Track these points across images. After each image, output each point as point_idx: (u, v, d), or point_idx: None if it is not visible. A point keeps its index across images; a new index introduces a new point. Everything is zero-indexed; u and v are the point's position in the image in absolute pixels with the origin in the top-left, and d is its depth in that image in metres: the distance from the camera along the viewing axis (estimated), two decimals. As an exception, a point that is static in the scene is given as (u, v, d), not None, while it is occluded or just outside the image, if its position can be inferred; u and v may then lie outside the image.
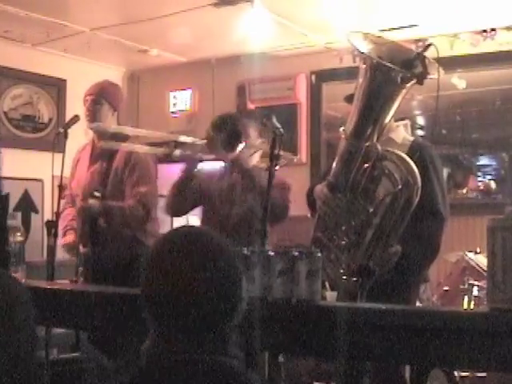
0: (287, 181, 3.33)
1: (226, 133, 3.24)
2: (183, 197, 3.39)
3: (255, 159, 3.44)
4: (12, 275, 1.45)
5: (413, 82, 2.36)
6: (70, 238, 3.62)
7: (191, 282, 1.36)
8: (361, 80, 2.43)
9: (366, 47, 2.41)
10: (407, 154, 2.39)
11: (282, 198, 3.20)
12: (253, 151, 3.39)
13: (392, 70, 2.32)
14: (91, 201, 3.50)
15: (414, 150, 2.52)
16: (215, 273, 1.38)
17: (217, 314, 1.38)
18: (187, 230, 1.52)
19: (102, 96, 3.63)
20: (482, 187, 5.14)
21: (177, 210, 3.51)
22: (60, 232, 3.46)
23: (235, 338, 1.44)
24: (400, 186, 2.28)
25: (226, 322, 1.40)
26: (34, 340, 1.41)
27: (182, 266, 1.37)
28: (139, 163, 3.56)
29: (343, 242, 2.44)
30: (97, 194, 3.51)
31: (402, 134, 2.62)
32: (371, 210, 2.36)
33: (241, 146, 3.24)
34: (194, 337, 1.37)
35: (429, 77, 2.33)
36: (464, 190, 5.36)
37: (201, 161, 3.39)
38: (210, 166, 3.59)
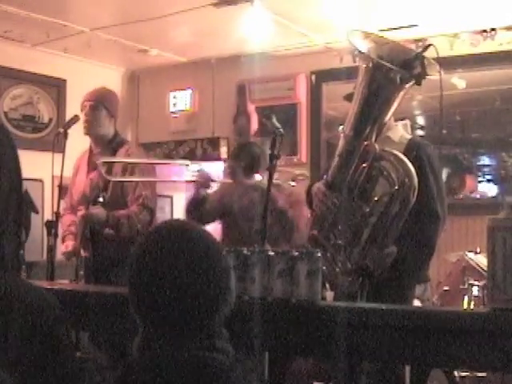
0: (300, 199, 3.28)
1: (244, 161, 3.32)
2: (196, 215, 3.48)
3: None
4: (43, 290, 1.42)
5: (412, 82, 2.36)
6: (70, 244, 3.63)
7: (176, 277, 1.36)
8: (360, 79, 2.43)
9: (365, 46, 2.41)
10: (404, 153, 2.39)
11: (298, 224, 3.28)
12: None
13: (391, 70, 2.31)
14: (95, 209, 3.50)
15: (411, 148, 2.51)
16: (200, 267, 1.38)
17: (204, 308, 1.39)
18: (170, 225, 1.51)
19: (100, 102, 3.62)
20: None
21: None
22: (59, 237, 3.48)
23: (224, 333, 1.44)
24: (397, 187, 2.28)
25: (213, 316, 1.40)
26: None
27: (166, 262, 1.37)
28: (137, 166, 3.56)
29: (339, 241, 2.44)
30: (100, 199, 3.52)
31: (399, 132, 2.61)
32: (368, 209, 2.36)
33: (258, 175, 3.30)
34: (181, 333, 1.38)
35: (428, 77, 2.33)
36: (464, 190, 5.36)
37: (212, 181, 3.45)
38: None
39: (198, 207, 3.48)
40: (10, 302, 1.31)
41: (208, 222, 3.63)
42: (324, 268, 2.41)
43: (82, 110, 3.64)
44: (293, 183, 3.02)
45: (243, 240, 3.32)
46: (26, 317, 1.30)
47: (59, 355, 1.34)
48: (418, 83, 2.32)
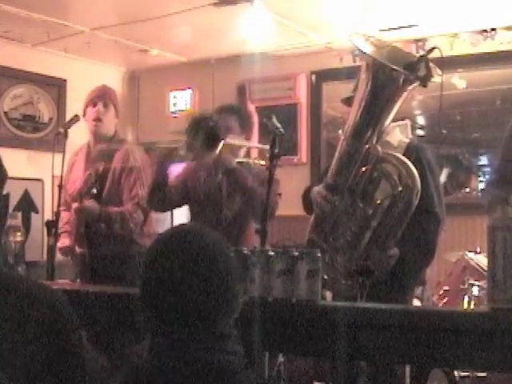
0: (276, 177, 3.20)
1: (202, 135, 3.15)
2: (159, 197, 3.28)
3: (240, 156, 3.35)
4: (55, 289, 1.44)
5: (415, 84, 2.35)
6: (65, 241, 3.63)
7: (186, 281, 1.37)
8: (361, 81, 2.43)
9: (367, 49, 2.41)
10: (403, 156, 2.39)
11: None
12: (235, 149, 3.30)
13: (395, 71, 2.31)
14: (89, 202, 3.50)
15: (410, 152, 2.51)
16: (210, 270, 1.40)
17: (213, 310, 1.39)
18: (181, 229, 1.54)
19: (110, 101, 3.66)
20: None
21: (156, 208, 3.46)
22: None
23: (234, 334, 1.45)
24: (400, 189, 2.28)
25: (223, 317, 1.41)
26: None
27: (177, 266, 1.38)
28: (137, 165, 3.56)
29: (339, 245, 2.43)
30: (94, 191, 3.52)
31: (397, 136, 2.61)
32: (370, 212, 2.36)
33: (220, 146, 3.13)
34: (191, 335, 1.38)
35: (432, 79, 2.33)
36: (467, 190, 5.36)
37: (172, 163, 3.27)
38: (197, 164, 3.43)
39: (158, 190, 3.25)
40: (18, 301, 1.32)
41: (171, 208, 3.52)
42: (325, 277, 2.41)
43: (87, 106, 3.64)
44: (262, 162, 2.88)
45: (213, 228, 3.18)
46: (35, 315, 1.31)
47: (68, 354, 1.35)
48: (425, 85, 2.32)
